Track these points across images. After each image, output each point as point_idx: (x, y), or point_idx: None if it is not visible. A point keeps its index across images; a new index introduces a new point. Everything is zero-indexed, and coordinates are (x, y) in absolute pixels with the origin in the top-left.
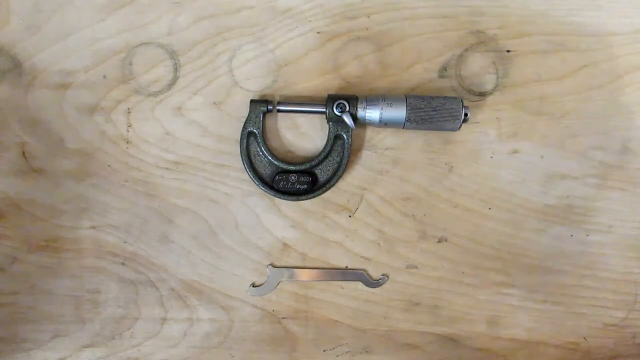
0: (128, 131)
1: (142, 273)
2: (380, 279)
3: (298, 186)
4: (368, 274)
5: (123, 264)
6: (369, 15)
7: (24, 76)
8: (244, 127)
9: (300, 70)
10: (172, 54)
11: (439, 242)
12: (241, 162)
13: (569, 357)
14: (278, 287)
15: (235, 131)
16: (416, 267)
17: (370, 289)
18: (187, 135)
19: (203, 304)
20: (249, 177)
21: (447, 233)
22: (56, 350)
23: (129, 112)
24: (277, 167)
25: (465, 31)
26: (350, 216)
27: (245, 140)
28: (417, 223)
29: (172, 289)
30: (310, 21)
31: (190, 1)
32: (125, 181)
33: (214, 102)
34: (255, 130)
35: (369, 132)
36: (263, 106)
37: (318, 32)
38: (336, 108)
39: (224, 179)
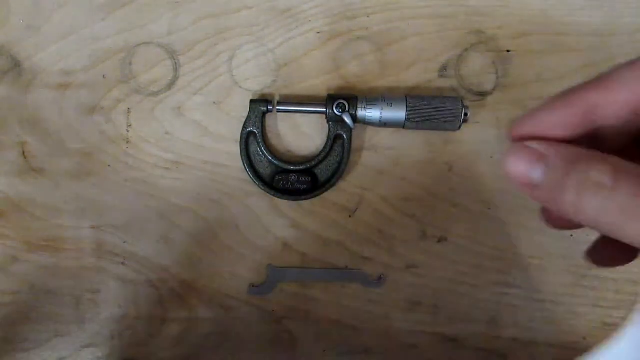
0: (128, 131)
1: (142, 273)
2: (380, 279)
3: (298, 186)
4: (368, 274)
5: (123, 264)
6: (369, 15)
7: (24, 76)
8: (244, 127)
9: (300, 70)
10: (172, 54)
11: (439, 242)
12: (241, 162)
13: (569, 357)
14: (278, 287)
15: (235, 131)
16: (416, 267)
17: (370, 289)
18: (187, 135)
19: (203, 304)
20: (249, 177)
21: (447, 233)
22: (56, 350)
23: (129, 112)
24: (277, 167)
25: (465, 31)
26: (350, 216)
27: (245, 140)
28: (417, 223)
29: (172, 289)
30: (310, 21)
31: (190, 1)
32: (125, 181)
33: (214, 102)
34: (255, 130)
35: (369, 132)
36: (263, 106)
37: (318, 32)
38: (336, 108)
39: (224, 179)
